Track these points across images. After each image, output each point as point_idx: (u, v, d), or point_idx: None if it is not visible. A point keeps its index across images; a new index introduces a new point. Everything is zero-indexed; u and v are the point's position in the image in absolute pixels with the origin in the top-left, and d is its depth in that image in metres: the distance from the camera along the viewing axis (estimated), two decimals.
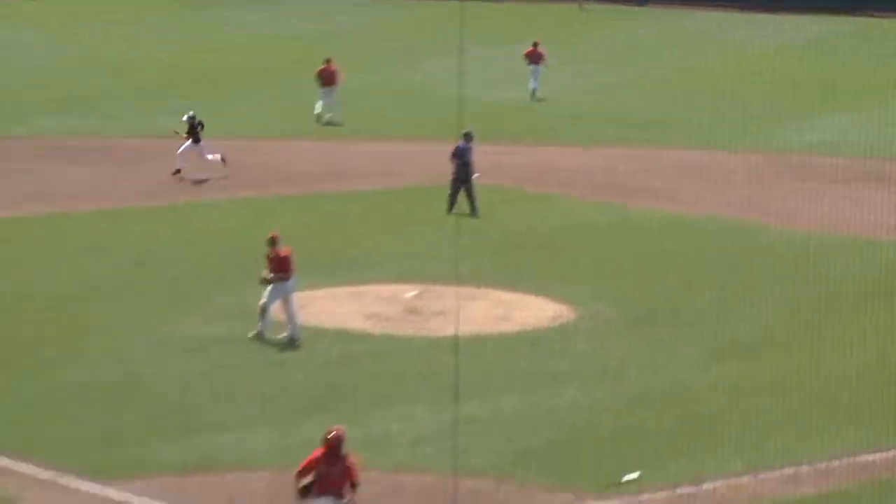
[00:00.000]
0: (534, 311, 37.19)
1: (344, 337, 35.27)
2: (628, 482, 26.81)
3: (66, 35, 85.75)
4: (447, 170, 47.36)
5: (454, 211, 45.80)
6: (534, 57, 73.33)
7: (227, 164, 51.80)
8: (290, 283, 34.22)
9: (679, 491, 26.36)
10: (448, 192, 46.56)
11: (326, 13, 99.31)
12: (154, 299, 36.57)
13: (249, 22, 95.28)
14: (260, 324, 33.56)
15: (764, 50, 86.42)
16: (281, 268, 33.88)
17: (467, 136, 45.93)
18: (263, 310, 33.53)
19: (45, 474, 26.91)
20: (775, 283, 40.64)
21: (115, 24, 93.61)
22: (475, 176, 45.90)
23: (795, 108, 66.39)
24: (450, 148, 46.97)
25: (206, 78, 72.16)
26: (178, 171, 51.38)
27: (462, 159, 46.78)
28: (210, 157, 51.49)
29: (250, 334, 33.47)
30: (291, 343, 33.70)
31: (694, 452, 28.23)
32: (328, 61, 63.39)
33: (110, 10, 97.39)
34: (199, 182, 50.59)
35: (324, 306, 37.44)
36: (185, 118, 52.24)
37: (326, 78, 63.75)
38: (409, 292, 38.38)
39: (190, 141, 51.34)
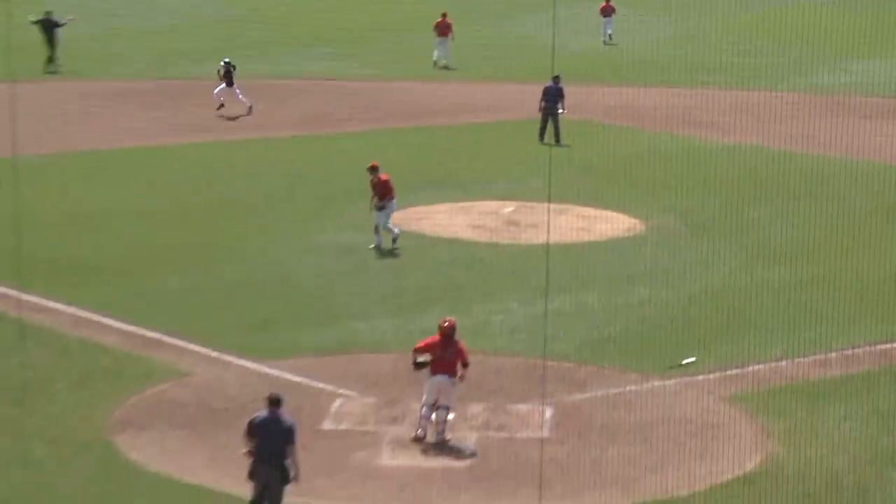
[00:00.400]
0: (611, 223, 37.07)
1: (455, 244, 35.41)
2: (686, 365, 26.88)
3: None
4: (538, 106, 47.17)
5: (544, 140, 45.59)
6: (606, 10, 72.93)
7: (252, 114, 51.03)
8: (391, 203, 33.81)
9: (728, 372, 26.46)
10: (539, 124, 46.29)
11: None
12: (301, 212, 36.75)
13: None
14: (376, 238, 33.54)
15: (802, 5, 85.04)
16: (382, 191, 33.52)
17: (555, 79, 45.57)
18: (376, 228, 33.48)
19: (212, 353, 27.31)
20: (812, 201, 40.18)
21: None
22: (561, 111, 45.24)
23: (830, 55, 65.44)
24: (541, 88, 46.67)
25: (346, 31, 71.85)
26: (221, 107, 50.73)
27: (550, 97, 46.42)
28: (241, 98, 50.92)
29: (370, 246, 33.50)
30: (378, 249, 33.68)
31: (741, 341, 28.36)
32: (444, 15, 62.79)
33: None
34: (234, 118, 50.08)
35: (439, 219, 37.57)
36: (221, 63, 51.59)
37: (442, 29, 62.84)
38: (508, 208, 38.40)
39: (224, 84, 50.64)
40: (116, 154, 42.23)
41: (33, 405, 23.46)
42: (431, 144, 46.49)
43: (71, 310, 29.13)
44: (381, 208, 33.71)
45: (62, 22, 59.83)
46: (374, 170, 33.79)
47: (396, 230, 34.05)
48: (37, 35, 59.25)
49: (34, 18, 59.10)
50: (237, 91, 50.31)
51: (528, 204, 37.58)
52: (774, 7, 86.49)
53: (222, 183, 40.15)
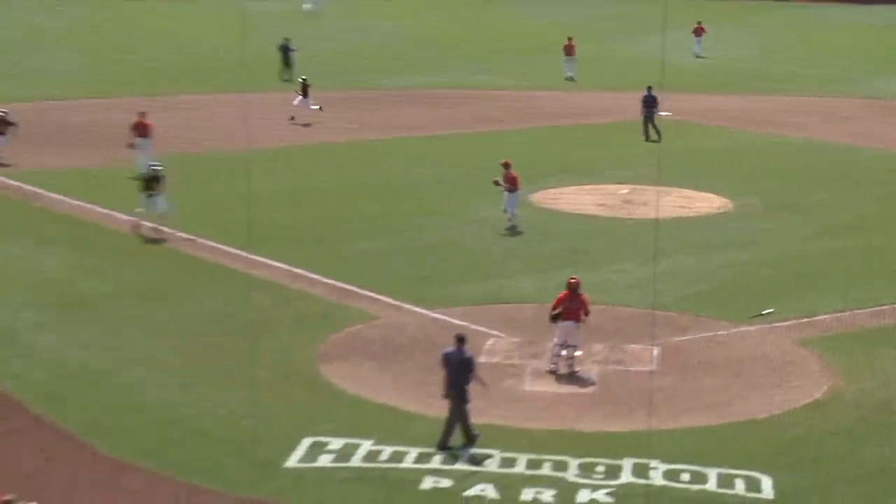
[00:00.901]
0: (706, 202, 36.98)
1: (582, 219, 35.53)
2: (766, 314, 26.76)
3: (409, 21, 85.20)
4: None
5: (648, 138, 45.23)
6: (698, 31, 71.47)
7: (322, 111, 50.42)
8: (517, 193, 33.47)
9: (800, 321, 26.38)
10: (641, 126, 45.87)
11: (574, 5, 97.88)
12: (463, 194, 36.81)
13: (527, 13, 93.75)
14: (508, 213, 33.51)
15: (858, 30, 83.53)
16: (512, 183, 33.20)
17: (649, 88, 44.93)
18: (505, 210, 33.40)
19: (394, 302, 27.65)
20: (870, 185, 39.93)
21: (442, 10, 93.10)
22: (662, 114, 44.66)
23: (883, 69, 64.35)
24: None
25: (496, 52, 71.72)
26: (292, 118, 50.32)
27: (648, 103, 45.87)
28: (313, 108, 50.32)
29: (505, 227, 33.51)
30: (513, 228, 33.34)
31: (809, 296, 28.40)
32: (570, 39, 62.29)
33: (437, 6, 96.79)
34: (306, 125, 49.72)
35: (570, 199, 37.63)
36: (300, 80, 50.52)
37: (569, 50, 62.11)
38: (623, 190, 38.21)
39: (300, 97, 50.12)
40: (329, 147, 42.59)
41: (259, 341, 23.94)
42: (563, 140, 46.45)
43: (288, 268, 29.64)
44: (510, 194, 33.41)
45: (295, 49, 61.01)
46: (506, 166, 33.47)
47: (511, 221, 33.66)
48: (274, 54, 60.46)
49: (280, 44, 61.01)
50: (309, 102, 49.44)
51: (640, 187, 37.61)
52: (833, 28, 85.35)
53: (404, 170, 40.44)
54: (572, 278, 23.95)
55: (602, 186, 38.93)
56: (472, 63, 65.74)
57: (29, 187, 37.27)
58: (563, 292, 23.77)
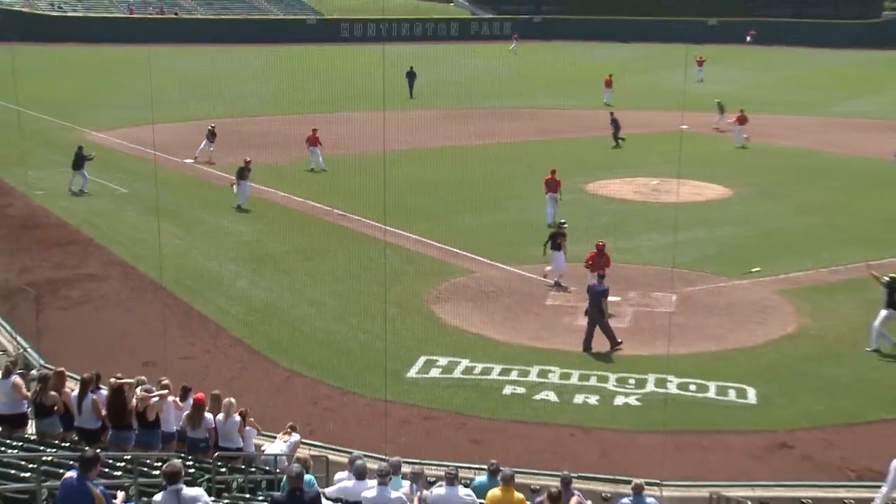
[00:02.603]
0: (713, 191, 36.69)
1: (622, 202, 35.39)
2: (754, 272, 26.42)
3: (496, 61, 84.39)
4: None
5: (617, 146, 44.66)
6: (700, 62, 69.49)
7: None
8: (556, 195, 31.58)
9: (777, 277, 25.97)
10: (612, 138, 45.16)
11: (612, 48, 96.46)
12: (534, 182, 35.68)
13: (578, 54, 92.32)
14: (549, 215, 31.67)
15: (824, 68, 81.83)
16: (555, 186, 31.57)
17: (612, 114, 44.76)
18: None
19: (486, 261, 27.91)
20: (831, 179, 39.31)
21: (518, 53, 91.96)
22: (682, 127, 42.57)
23: (842, 96, 63.03)
24: (666, 115, 45.79)
25: (556, 81, 70.64)
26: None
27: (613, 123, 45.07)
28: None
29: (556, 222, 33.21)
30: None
31: (787, 258, 27.89)
32: (609, 75, 60.09)
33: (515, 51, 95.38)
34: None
35: (613, 188, 37.54)
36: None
37: (608, 83, 59.42)
38: (654, 181, 37.96)
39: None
40: (443, 149, 42.55)
41: (391, 287, 24.15)
42: (607, 145, 45.85)
43: (411, 236, 29.82)
44: (552, 193, 31.78)
45: (415, 73, 61.12)
46: (553, 172, 32.05)
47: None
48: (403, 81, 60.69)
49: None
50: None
51: (665, 179, 37.21)
52: (807, 66, 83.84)
53: (495, 167, 40.13)
54: (599, 241, 24.47)
55: (637, 179, 38.53)
56: (541, 90, 65.26)
57: (228, 176, 37.92)
58: (592, 251, 24.21)
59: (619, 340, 21.47)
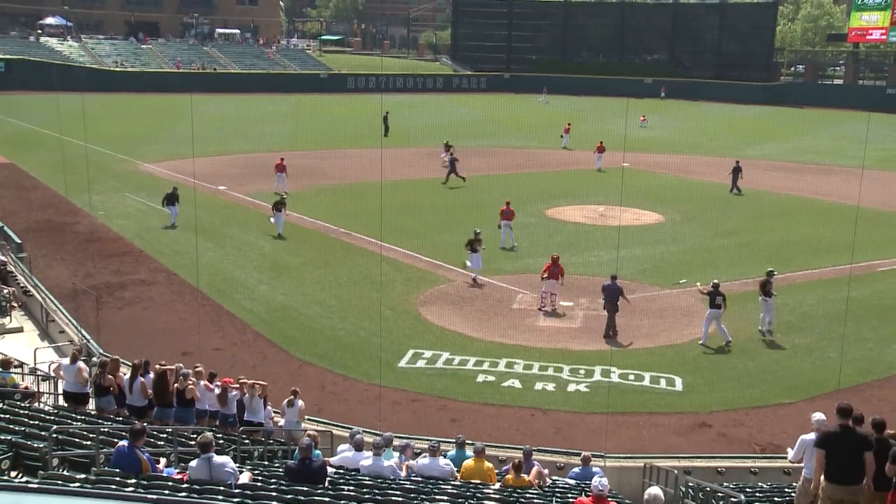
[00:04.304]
0: (649, 217, 36.54)
1: (574, 224, 35.09)
2: (681, 283, 26.53)
3: (475, 109, 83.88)
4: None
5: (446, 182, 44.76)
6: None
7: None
8: (510, 222, 30.48)
9: (700, 286, 25.56)
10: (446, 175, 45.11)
11: (569, 102, 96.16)
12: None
13: (541, 105, 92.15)
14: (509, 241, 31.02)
15: (739, 119, 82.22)
16: (507, 216, 30.43)
17: (449, 147, 45.34)
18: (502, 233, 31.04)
19: (462, 271, 27.55)
20: (741, 207, 39.48)
21: (495, 102, 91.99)
22: (624, 164, 43.23)
23: (752, 140, 63.36)
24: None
25: (523, 125, 70.60)
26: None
27: (450, 162, 43.29)
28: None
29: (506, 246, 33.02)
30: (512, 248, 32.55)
31: (706, 272, 27.52)
32: (568, 124, 60.64)
33: (491, 101, 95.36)
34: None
35: (567, 213, 37.29)
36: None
37: (566, 130, 58.16)
38: (601, 208, 37.91)
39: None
40: (429, 181, 42.47)
41: (386, 292, 24.10)
42: (564, 177, 45.69)
43: (403, 250, 29.67)
44: (507, 221, 30.95)
45: (387, 122, 57.80)
46: (507, 203, 31.09)
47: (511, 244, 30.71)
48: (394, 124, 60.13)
49: (385, 118, 57.96)
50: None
51: (611, 207, 37.14)
52: (725, 117, 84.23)
53: (472, 195, 40.08)
54: (554, 254, 24.42)
55: (586, 206, 38.37)
56: (511, 133, 65.29)
57: (252, 200, 37.87)
58: (548, 262, 24.11)
59: (614, 334, 21.80)
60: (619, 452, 15.55)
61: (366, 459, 11.95)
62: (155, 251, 29.70)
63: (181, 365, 15.48)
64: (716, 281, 22.27)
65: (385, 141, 50.55)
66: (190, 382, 14.78)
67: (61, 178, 38.64)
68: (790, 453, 11.87)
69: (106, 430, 12.29)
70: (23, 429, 11.77)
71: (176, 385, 14.89)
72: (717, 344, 21.69)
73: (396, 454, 12.87)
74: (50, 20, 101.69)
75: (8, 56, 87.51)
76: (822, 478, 9.90)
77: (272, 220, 32.57)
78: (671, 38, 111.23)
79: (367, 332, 21.75)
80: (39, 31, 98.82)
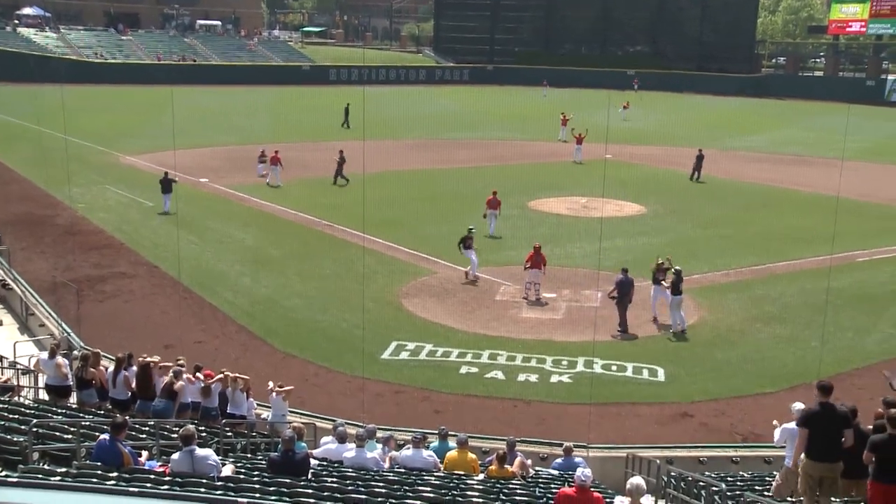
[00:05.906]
0: (631, 208, 36.66)
1: (557, 216, 35.06)
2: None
3: (459, 101, 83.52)
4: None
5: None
6: (626, 106, 69.92)
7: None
8: (496, 211, 31.14)
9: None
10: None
11: (559, 93, 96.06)
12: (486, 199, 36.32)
13: (532, 96, 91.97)
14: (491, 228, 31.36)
15: (722, 111, 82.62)
16: (493, 206, 31.11)
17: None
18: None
19: (445, 263, 27.61)
20: (723, 198, 39.59)
21: (480, 94, 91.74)
22: (606, 156, 43.25)
23: (734, 132, 63.71)
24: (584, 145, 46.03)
25: (509, 117, 70.46)
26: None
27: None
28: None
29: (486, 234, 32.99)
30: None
31: (689, 263, 27.52)
32: (563, 114, 59.09)
33: (477, 92, 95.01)
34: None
35: (550, 205, 37.27)
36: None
37: (564, 121, 57.86)
38: (583, 200, 37.91)
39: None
40: (412, 173, 42.38)
41: (368, 284, 24.07)
42: (548, 169, 45.89)
43: (386, 243, 29.64)
44: (493, 210, 31.35)
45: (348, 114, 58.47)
46: (494, 193, 31.49)
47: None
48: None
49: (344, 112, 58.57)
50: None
51: (593, 198, 37.20)
52: (708, 109, 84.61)
53: (455, 186, 39.93)
54: (536, 244, 24.33)
55: (570, 198, 38.43)
56: (495, 124, 65.17)
57: (234, 192, 37.65)
58: (530, 252, 24.09)
59: (622, 330, 21.75)
60: (601, 443, 15.58)
61: (349, 451, 11.92)
62: (136, 244, 29.48)
63: (182, 364, 15.39)
64: (678, 268, 22.41)
65: (367, 133, 50.43)
66: (182, 382, 14.73)
67: (40, 170, 38.33)
68: (776, 435, 12.04)
69: (87, 423, 12.23)
70: (2, 423, 11.69)
71: (165, 379, 14.82)
72: (672, 331, 21.87)
73: (379, 446, 12.85)
74: (28, 10, 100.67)
75: None
76: (803, 455, 10.04)
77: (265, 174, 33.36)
78: (653, 30, 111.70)
79: (350, 324, 21.66)
80: (17, 22, 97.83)
